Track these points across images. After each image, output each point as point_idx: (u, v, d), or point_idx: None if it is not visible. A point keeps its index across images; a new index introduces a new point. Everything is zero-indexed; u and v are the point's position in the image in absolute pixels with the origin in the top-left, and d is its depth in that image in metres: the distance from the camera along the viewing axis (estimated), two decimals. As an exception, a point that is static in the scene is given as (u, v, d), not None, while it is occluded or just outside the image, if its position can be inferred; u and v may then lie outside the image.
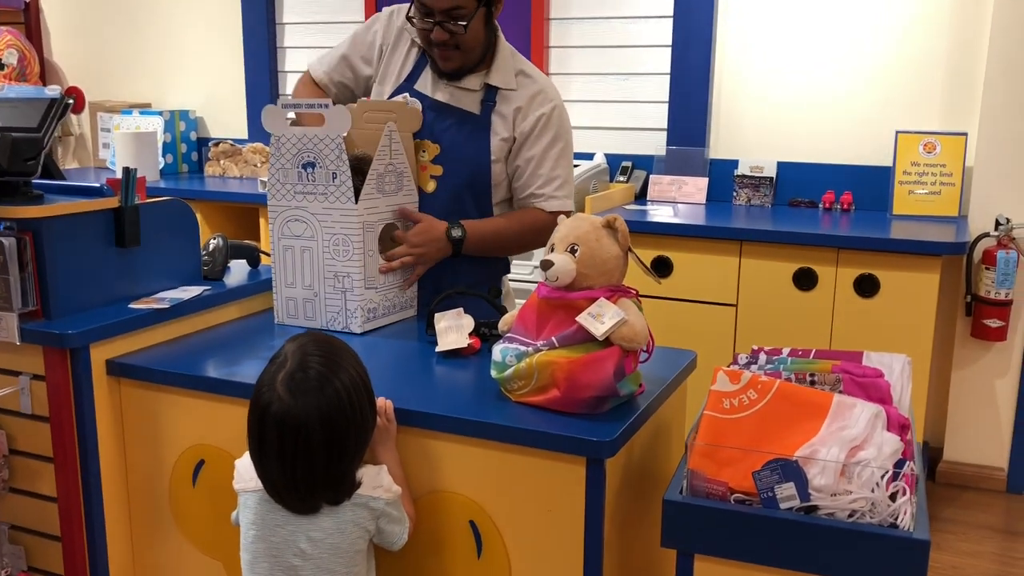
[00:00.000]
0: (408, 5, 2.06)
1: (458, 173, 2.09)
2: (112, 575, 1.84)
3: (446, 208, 2.09)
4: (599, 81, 3.83)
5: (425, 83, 2.11)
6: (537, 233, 2.08)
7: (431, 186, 2.11)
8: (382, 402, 1.54)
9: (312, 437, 1.37)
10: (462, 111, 2.09)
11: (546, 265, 1.54)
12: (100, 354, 1.78)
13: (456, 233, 2.05)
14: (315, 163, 1.90)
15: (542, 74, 2.17)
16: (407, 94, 2.10)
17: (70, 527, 1.79)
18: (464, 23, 1.96)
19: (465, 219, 2.08)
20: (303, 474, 1.40)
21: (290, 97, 2.23)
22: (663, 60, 3.68)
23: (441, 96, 2.10)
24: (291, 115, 1.98)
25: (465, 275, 2.12)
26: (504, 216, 2.16)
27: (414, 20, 2.02)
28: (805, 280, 3.02)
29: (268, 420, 1.38)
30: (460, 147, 2.08)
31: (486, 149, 2.08)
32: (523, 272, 3.28)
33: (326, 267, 1.93)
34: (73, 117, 4.84)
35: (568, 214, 2.07)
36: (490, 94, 2.10)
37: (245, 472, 1.50)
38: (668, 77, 3.67)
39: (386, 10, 2.20)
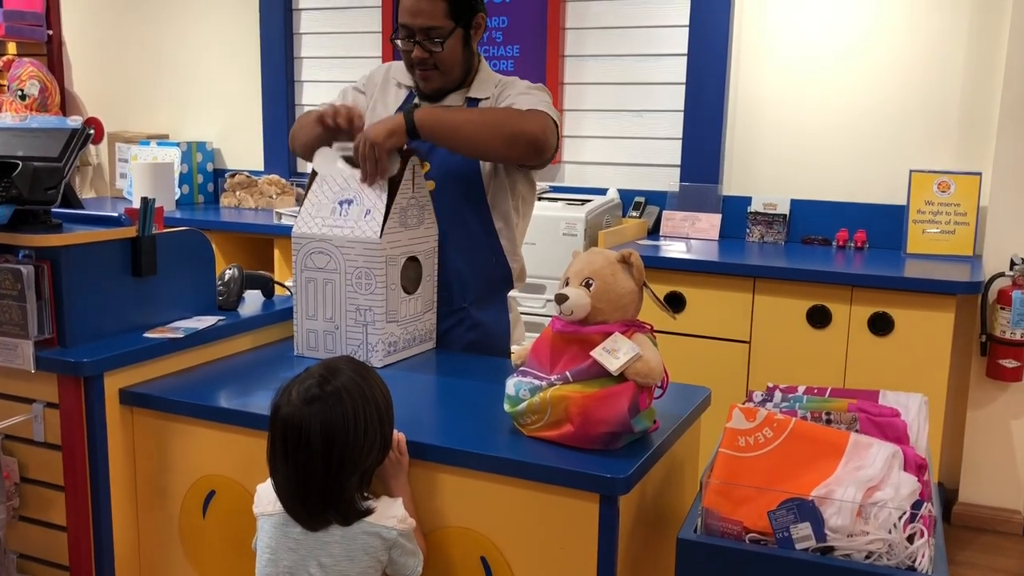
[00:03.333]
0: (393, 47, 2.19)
1: (450, 185, 2.13)
2: (120, 606, 1.83)
3: (444, 220, 2.11)
4: (613, 117, 3.85)
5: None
6: (508, 121, 1.95)
7: None
8: (395, 435, 1.53)
9: (311, 443, 1.42)
10: None
11: (561, 299, 1.54)
12: (114, 383, 1.78)
13: (410, 118, 1.92)
14: (353, 200, 1.93)
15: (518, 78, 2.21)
16: None
17: (79, 557, 1.78)
18: (440, 41, 2.04)
19: (466, 230, 2.14)
20: (304, 481, 1.44)
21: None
22: (677, 97, 3.71)
23: None
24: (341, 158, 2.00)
25: (472, 288, 2.18)
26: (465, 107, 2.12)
27: (398, 42, 2.09)
28: (819, 318, 3.01)
29: (277, 422, 1.45)
30: (447, 159, 2.11)
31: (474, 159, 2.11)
32: (536, 305, 3.27)
33: (347, 300, 1.93)
34: (91, 147, 4.89)
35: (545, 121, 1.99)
36: (471, 105, 2.14)
37: (265, 496, 1.52)
38: (682, 114, 3.69)
39: (376, 67, 2.32)
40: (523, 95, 2.10)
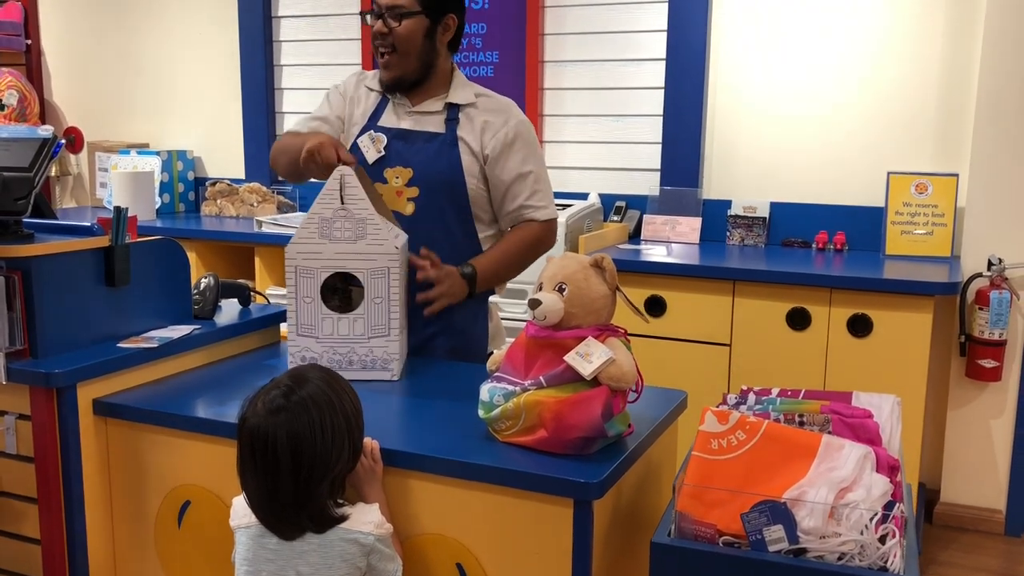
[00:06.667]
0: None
1: (434, 191, 2.14)
2: (95, 619, 1.82)
3: (429, 228, 2.12)
4: (593, 122, 3.86)
5: (388, 118, 2.20)
6: (536, 245, 2.22)
7: (410, 208, 2.15)
8: (368, 442, 1.53)
9: (278, 453, 1.41)
10: (427, 132, 2.17)
11: (534, 304, 1.54)
12: (87, 393, 1.77)
13: (466, 271, 2.11)
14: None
15: (501, 96, 2.24)
16: (371, 131, 2.18)
17: (53, 571, 1.77)
18: (400, 16, 2.08)
19: (451, 238, 2.14)
20: (274, 490, 1.43)
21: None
22: (656, 102, 3.72)
23: (405, 124, 2.18)
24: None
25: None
26: (501, 242, 2.22)
27: (368, 17, 2.15)
28: (798, 320, 3.02)
29: (244, 433, 1.45)
30: (431, 164, 2.13)
31: (457, 162, 2.13)
32: (517, 311, 3.27)
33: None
34: (72, 157, 4.87)
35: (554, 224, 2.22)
36: (452, 112, 2.17)
37: (240, 508, 1.52)
38: (661, 118, 3.70)
39: (349, 76, 2.33)
40: (523, 181, 2.15)
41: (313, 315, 1.89)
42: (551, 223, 2.22)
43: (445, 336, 2.18)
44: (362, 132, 2.20)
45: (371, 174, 2.11)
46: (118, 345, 1.88)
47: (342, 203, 1.86)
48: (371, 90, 2.25)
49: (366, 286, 1.89)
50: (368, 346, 1.91)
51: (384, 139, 2.16)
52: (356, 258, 1.88)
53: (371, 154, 2.16)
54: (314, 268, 1.88)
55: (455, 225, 2.16)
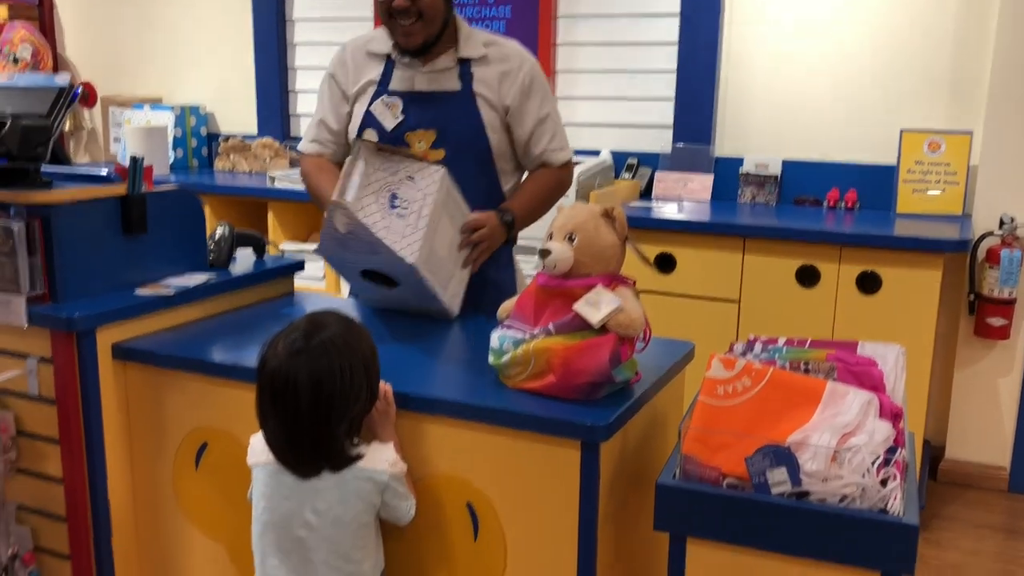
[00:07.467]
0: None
1: (459, 150, 2.11)
2: (116, 556, 1.87)
3: (457, 186, 2.09)
4: (606, 78, 3.84)
5: (399, 82, 2.13)
6: (558, 187, 2.25)
7: None
8: (382, 386, 1.56)
9: (299, 395, 1.44)
10: (444, 92, 2.12)
11: (544, 253, 1.56)
12: (106, 338, 1.81)
13: (507, 218, 2.12)
14: (398, 197, 1.91)
15: (506, 38, 2.21)
16: (384, 97, 2.12)
17: (75, 508, 1.82)
18: None
19: (477, 194, 2.10)
20: (293, 432, 1.47)
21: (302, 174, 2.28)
22: (670, 58, 3.70)
23: (420, 85, 2.12)
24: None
25: None
26: (527, 187, 2.24)
27: None
28: (808, 277, 3.03)
29: (264, 375, 1.48)
30: (454, 124, 2.11)
31: (479, 120, 2.11)
32: (527, 268, 3.28)
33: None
34: (85, 112, 4.88)
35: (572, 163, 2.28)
36: (465, 67, 2.12)
37: (258, 446, 1.55)
38: (675, 75, 3.68)
39: (334, 55, 2.23)
40: (543, 124, 2.16)
41: (362, 285, 2.00)
42: (570, 163, 2.26)
43: (474, 288, 2.13)
44: (373, 98, 2.14)
45: (391, 140, 2.08)
46: (135, 292, 1.92)
47: (343, 233, 1.85)
48: (373, 54, 2.16)
49: (400, 281, 1.94)
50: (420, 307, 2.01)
51: (399, 103, 2.11)
52: (380, 266, 1.92)
53: (388, 121, 2.11)
54: (346, 267, 1.97)
55: (480, 180, 2.14)
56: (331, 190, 1.91)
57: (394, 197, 1.90)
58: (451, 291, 1.99)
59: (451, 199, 1.98)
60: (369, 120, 2.13)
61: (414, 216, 1.89)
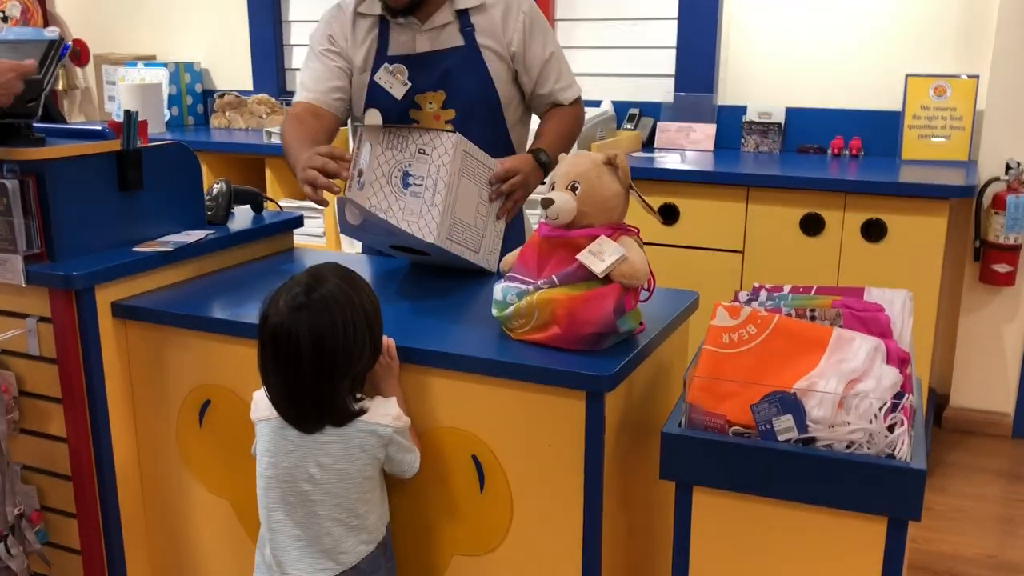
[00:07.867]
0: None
1: (471, 107, 2.07)
2: (123, 514, 1.88)
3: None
4: (606, 27, 3.78)
5: (399, 44, 2.06)
6: (575, 125, 2.23)
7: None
8: (385, 340, 1.55)
9: (301, 350, 1.42)
10: (448, 50, 2.07)
11: (547, 203, 1.54)
12: (105, 296, 1.79)
13: (543, 158, 2.06)
14: (411, 175, 1.84)
15: None
16: (385, 64, 2.05)
17: (80, 468, 1.82)
18: None
19: (491, 148, 2.00)
20: (296, 387, 1.46)
21: (280, 131, 2.12)
22: (671, 5, 3.63)
23: (422, 46, 2.06)
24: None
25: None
26: (550, 127, 2.17)
27: None
28: (812, 226, 3.00)
29: (266, 331, 1.46)
30: (463, 82, 2.06)
31: (487, 75, 2.07)
32: (535, 219, 3.26)
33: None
34: (78, 70, 4.82)
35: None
36: (464, 20, 2.07)
37: (261, 402, 1.54)
38: (676, 22, 3.62)
39: (321, 22, 2.13)
40: (548, 65, 2.13)
41: (395, 253, 2.00)
42: (579, 99, 2.24)
43: None
44: (375, 67, 2.06)
45: (402, 107, 2.04)
46: (134, 249, 1.90)
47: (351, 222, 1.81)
48: (364, 15, 2.08)
49: (429, 252, 1.88)
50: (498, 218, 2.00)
51: (404, 69, 2.05)
52: (405, 242, 1.86)
53: (397, 89, 2.05)
54: (375, 243, 1.98)
55: (492, 134, 2.11)
56: (300, 140, 1.92)
57: (407, 176, 1.84)
58: (485, 250, 1.95)
59: (469, 161, 1.89)
60: (376, 90, 2.06)
61: (429, 193, 1.82)
